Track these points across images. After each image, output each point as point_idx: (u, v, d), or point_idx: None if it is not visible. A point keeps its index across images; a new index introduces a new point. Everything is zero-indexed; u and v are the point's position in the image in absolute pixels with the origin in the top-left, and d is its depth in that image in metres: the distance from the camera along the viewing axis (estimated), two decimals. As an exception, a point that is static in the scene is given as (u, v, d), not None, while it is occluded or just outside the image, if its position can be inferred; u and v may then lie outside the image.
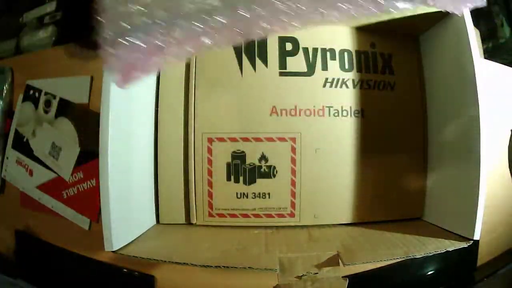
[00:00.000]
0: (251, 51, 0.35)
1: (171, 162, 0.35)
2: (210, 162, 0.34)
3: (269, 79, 0.35)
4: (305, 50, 0.35)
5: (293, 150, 0.34)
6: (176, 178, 0.35)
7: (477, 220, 0.28)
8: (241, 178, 0.34)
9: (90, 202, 0.40)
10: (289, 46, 0.35)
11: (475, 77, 0.29)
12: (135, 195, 0.31)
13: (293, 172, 0.34)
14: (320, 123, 0.35)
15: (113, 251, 0.26)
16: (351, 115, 0.35)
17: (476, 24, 0.32)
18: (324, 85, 0.35)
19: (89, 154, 0.40)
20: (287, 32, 0.34)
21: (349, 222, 0.36)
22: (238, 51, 0.35)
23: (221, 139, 0.34)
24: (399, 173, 0.36)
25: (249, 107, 0.34)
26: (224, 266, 0.26)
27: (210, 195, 0.34)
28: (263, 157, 0.34)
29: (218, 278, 0.38)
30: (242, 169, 0.34)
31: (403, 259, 0.28)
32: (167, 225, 0.36)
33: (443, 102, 0.34)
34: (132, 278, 0.39)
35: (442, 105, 0.34)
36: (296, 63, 0.35)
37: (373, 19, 0.33)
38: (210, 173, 0.34)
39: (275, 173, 0.34)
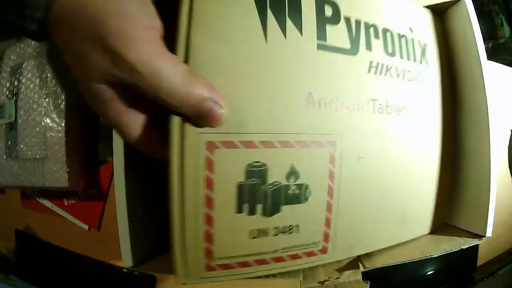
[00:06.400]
0: (280, 6, 0.22)
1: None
2: (210, 183, 0.20)
3: (304, 51, 0.23)
4: (347, 20, 0.25)
5: (332, 159, 0.24)
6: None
7: (488, 216, 0.29)
8: (258, 207, 0.22)
9: (91, 211, 0.40)
10: (328, 11, 0.25)
11: (481, 70, 0.29)
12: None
13: (330, 192, 0.24)
14: (364, 121, 0.25)
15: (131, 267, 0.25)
16: (394, 113, 0.27)
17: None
18: (369, 70, 0.26)
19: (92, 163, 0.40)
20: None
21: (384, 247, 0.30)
22: (261, 3, 0.22)
23: (229, 144, 0.20)
24: (432, 179, 0.31)
25: (276, 91, 0.22)
26: (246, 278, 0.24)
27: (209, 238, 0.21)
28: (293, 172, 0.23)
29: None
30: (262, 192, 0.22)
31: (420, 259, 0.28)
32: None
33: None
34: (132, 278, 0.39)
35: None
36: (338, 35, 0.25)
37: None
38: (210, 202, 0.21)
39: (307, 195, 0.23)
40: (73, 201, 0.41)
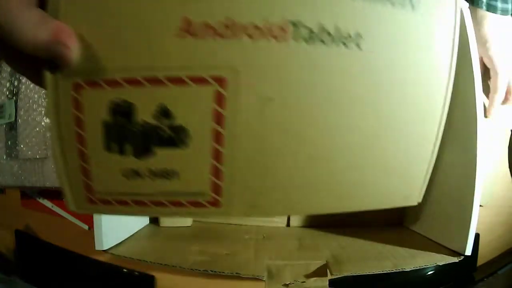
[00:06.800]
0: None
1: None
2: (80, 122, 0.21)
3: None
4: None
5: (220, 99, 0.20)
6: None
7: (469, 234, 0.28)
8: (128, 147, 0.21)
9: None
10: None
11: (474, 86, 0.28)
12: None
13: (219, 138, 0.21)
14: (277, 53, 0.19)
15: (103, 250, 0.26)
16: (338, 43, 0.20)
17: (475, 23, 0.32)
18: None
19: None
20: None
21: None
22: None
23: (93, 85, 0.20)
24: (391, 153, 0.23)
25: (139, 22, 0.19)
26: (212, 271, 0.26)
27: (86, 173, 0.22)
28: (164, 112, 0.21)
29: (218, 282, 0.38)
30: (130, 132, 0.21)
31: (392, 271, 0.28)
32: (158, 226, 0.36)
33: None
34: (132, 278, 0.39)
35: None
36: None
37: None
38: (81, 139, 0.21)
39: (184, 138, 0.21)
40: (73, 201, 0.41)
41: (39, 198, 0.42)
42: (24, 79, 0.39)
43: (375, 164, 0.23)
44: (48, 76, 0.20)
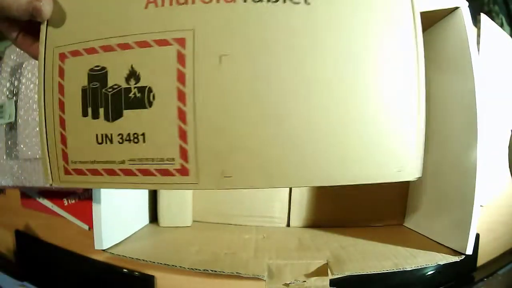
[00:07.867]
0: None
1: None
2: (62, 89, 0.23)
3: None
4: None
5: (181, 58, 0.21)
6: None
7: (470, 233, 0.28)
8: (101, 111, 0.22)
9: (91, 211, 0.40)
10: None
11: (474, 91, 0.27)
12: (127, 196, 0.31)
13: (182, 96, 0.21)
14: (228, 12, 0.21)
15: (103, 250, 0.26)
16: (285, 0, 0.21)
17: (475, 23, 0.32)
18: None
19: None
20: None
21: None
22: None
23: (75, 53, 0.22)
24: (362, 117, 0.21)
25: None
26: (212, 271, 0.26)
27: (63, 140, 0.23)
28: (133, 74, 0.21)
29: (218, 282, 0.38)
30: (103, 95, 0.22)
31: (393, 270, 0.28)
32: (158, 226, 0.36)
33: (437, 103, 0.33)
34: (132, 278, 0.39)
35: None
36: None
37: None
38: (62, 106, 0.23)
39: (151, 99, 0.21)
40: (73, 201, 0.41)
41: (39, 198, 0.42)
42: (24, 79, 0.39)
43: (348, 128, 0.21)
44: (41, 48, 0.23)
